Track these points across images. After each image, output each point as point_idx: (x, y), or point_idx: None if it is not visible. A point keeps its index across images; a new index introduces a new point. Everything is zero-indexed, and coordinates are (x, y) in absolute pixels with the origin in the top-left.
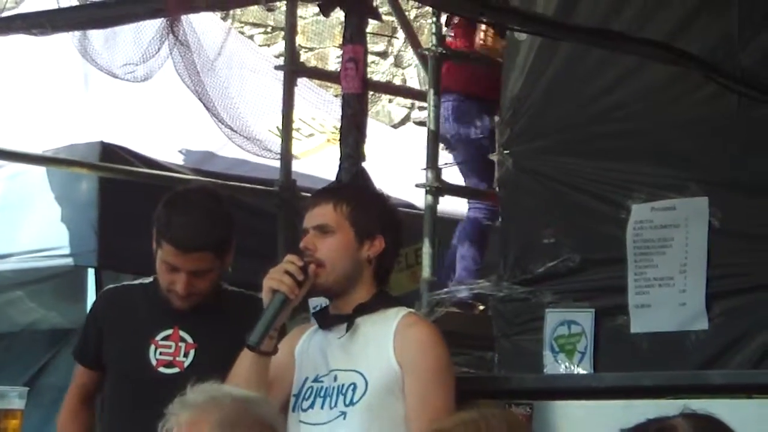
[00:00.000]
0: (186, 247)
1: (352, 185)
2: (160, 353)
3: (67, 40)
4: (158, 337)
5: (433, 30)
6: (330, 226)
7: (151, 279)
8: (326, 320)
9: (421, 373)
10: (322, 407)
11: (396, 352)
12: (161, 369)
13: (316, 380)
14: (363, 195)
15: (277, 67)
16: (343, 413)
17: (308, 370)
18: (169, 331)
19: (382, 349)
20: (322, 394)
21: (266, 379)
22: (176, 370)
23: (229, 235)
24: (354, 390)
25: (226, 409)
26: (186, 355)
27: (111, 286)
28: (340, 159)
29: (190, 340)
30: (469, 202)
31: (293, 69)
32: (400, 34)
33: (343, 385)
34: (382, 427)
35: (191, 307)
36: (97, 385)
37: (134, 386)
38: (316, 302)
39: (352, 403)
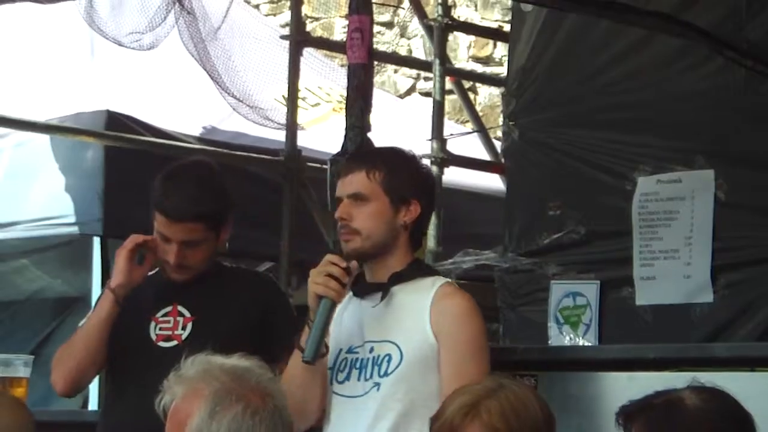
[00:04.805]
0: (175, 216)
1: (385, 150)
2: (160, 329)
3: (73, 9)
4: (158, 315)
5: (439, 0)
6: (364, 194)
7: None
8: (362, 289)
9: (457, 345)
10: (358, 379)
11: (432, 323)
12: (160, 343)
13: (350, 351)
14: (396, 160)
15: (282, 37)
16: (377, 384)
17: (342, 341)
18: (169, 308)
19: (417, 321)
20: (357, 365)
21: (322, 378)
22: (174, 343)
23: (223, 208)
24: (389, 361)
25: (218, 381)
26: (184, 328)
27: None
28: (346, 129)
29: (187, 314)
30: None
31: (299, 39)
32: (406, 5)
33: (378, 357)
34: (415, 399)
35: (188, 283)
36: None
37: (135, 361)
38: None
39: (386, 374)
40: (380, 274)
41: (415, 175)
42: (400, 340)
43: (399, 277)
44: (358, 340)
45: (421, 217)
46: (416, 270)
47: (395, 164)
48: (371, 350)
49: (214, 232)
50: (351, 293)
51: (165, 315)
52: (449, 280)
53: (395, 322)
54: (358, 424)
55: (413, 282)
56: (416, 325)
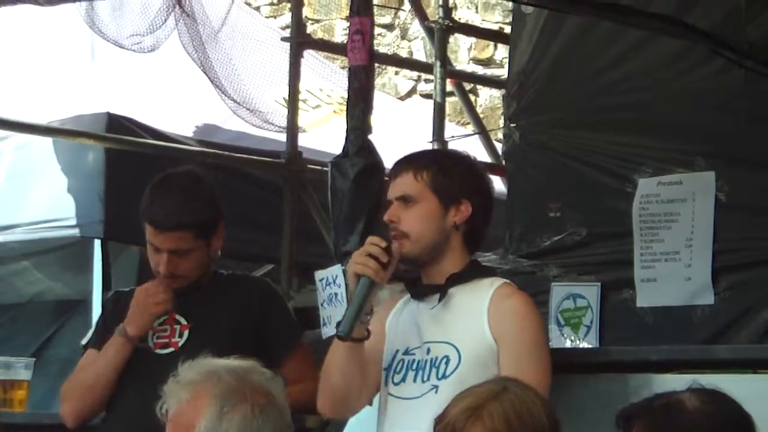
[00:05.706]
0: (162, 226)
1: (434, 151)
2: (157, 337)
3: (73, 11)
4: (155, 323)
5: (440, 2)
6: (412, 196)
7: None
8: (419, 290)
9: (517, 346)
10: (414, 381)
11: (490, 324)
12: (158, 351)
13: (407, 353)
14: (444, 160)
15: (283, 39)
16: (435, 387)
17: (399, 342)
18: (165, 317)
19: (476, 321)
20: (414, 367)
21: (362, 365)
22: (171, 349)
23: (211, 216)
24: (447, 363)
25: (223, 382)
26: (181, 335)
27: (119, 290)
28: (347, 131)
29: (184, 321)
30: None
31: (300, 41)
32: (407, 6)
33: (435, 358)
34: None
35: (184, 291)
36: None
37: (134, 369)
38: (322, 275)
39: (444, 376)
40: (436, 277)
41: (465, 175)
42: (458, 341)
43: (457, 278)
44: (415, 342)
45: (474, 217)
46: (474, 271)
47: (443, 164)
48: (428, 351)
49: (203, 240)
50: (408, 295)
51: (162, 323)
52: (507, 280)
53: (453, 323)
54: (415, 426)
55: (471, 283)
56: (474, 327)
